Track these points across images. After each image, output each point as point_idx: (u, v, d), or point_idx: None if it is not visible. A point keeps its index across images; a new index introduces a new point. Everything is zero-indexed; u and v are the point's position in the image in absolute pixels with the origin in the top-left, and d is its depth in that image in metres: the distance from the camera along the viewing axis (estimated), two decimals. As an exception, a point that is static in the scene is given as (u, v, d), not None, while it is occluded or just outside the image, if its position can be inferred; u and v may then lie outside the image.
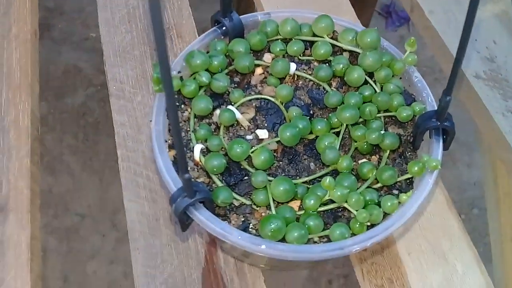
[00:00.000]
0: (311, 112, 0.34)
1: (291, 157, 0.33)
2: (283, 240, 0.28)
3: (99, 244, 1.01)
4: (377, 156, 0.33)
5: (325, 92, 0.35)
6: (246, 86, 0.35)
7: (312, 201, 0.29)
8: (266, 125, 0.34)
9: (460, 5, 0.52)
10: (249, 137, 0.33)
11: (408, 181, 0.32)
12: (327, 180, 0.28)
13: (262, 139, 0.33)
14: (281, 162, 0.32)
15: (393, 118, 0.34)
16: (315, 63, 0.36)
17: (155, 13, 0.17)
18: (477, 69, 0.47)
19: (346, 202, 0.29)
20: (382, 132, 0.32)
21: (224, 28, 0.36)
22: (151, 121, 0.31)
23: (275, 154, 0.33)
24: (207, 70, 0.34)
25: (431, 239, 0.38)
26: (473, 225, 1.15)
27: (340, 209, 0.30)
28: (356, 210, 0.29)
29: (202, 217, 0.28)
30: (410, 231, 0.38)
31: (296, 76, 0.36)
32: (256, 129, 0.33)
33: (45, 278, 0.96)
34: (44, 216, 1.05)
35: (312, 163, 0.33)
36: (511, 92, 0.46)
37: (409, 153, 0.33)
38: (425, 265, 0.36)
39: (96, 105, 1.22)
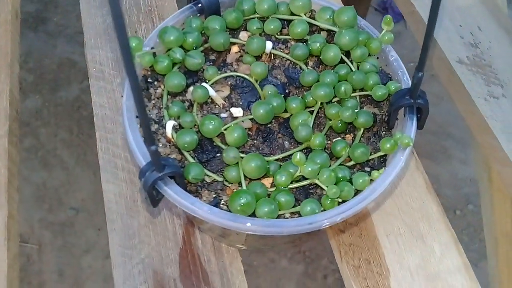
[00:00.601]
0: (287, 91, 0.34)
1: (266, 135, 0.32)
2: (253, 215, 0.28)
3: (94, 238, 1.01)
4: (352, 134, 0.33)
5: (301, 71, 0.35)
6: (221, 64, 0.35)
7: (283, 178, 0.29)
8: (241, 103, 0.33)
9: None
10: (223, 115, 0.33)
11: (381, 159, 0.31)
12: (298, 156, 0.28)
13: (236, 117, 0.33)
14: (255, 140, 0.32)
15: (369, 97, 0.34)
16: (292, 42, 0.36)
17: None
18: (460, 54, 0.47)
19: (318, 179, 0.29)
20: (357, 110, 0.32)
21: (199, 5, 0.35)
22: (122, 96, 0.31)
23: (249, 132, 0.32)
24: (181, 46, 0.34)
25: (409, 222, 0.38)
26: (468, 221, 1.15)
27: (312, 186, 0.30)
28: (327, 187, 0.29)
29: (172, 191, 0.28)
30: (389, 213, 0.38)
31: (272, 55, 0.35)
32: (231, 107, 0.33)
33: (40, 272, 0.96)
34: (39, 210, 1.04)
35: (286, 141, 0.32)
36: (494, 77, 0.46)
37: (384, 132, 0.33)
38: (403, 246, 0.36)
39: (90, 99, 1.21)
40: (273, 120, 0.33)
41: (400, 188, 0.39)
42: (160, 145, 0.31)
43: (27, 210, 1.05)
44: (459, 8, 0.51)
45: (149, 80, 0.33)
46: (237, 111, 0.33)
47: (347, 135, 0.33)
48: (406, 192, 0.39)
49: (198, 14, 0.36)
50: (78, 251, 0.99)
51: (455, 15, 0.50)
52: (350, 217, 0.33)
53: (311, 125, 0.31)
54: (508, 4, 0.72)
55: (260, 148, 0.32)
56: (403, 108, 0.31)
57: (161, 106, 0.32)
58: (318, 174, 0.29)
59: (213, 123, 0.30)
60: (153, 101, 0.33)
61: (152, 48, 0.33)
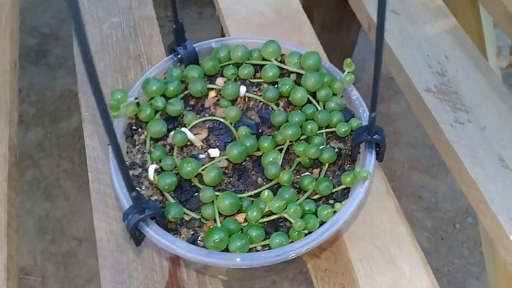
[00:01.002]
0: (260, 130, 0.37)
1: (240, 173, 0.35)
2: (227, 250, 0.31)
3: (97, 268, 1.04)
4: (319, 169, 0.36)
5: (273, 111, 0.38)
6: (200, 108, 0.38)
7: (254, 213, 0.32)
8: (218, 144, 0.37)
9: (414, 23, 0.55)
10: (202, 156, 0.36)
11: (345, 191, 0.34)
12: (266, 193, 0.31)
13: (214, 158, 0.36)
14: (231, 178, 0.35)
15: (334, 133, 0.37)
16: (265, 85, 0.39)
17: (90, 66, 0.20)
18: (428, 83, 0.50)
19: (286, 213, 0.32)
20: (322, 147, 0.35)
21: (179, 56, 0.39)
22: (109, 144, 0.34)
23: (226, 171, 0.36)
24: (163, 95, 0.37)
25: (381, 246, 0.40)
26: (468, 234, 1.17)
27: (281, 220, 0.33)
28: (294, 220, 0.31)
29: (152, 231, 0.31)
30: (361, 238, 0.40)
31: (246, 98, 0.39)
32: (209, 148, 0.36)
33: (44, 304, 0.99)
34: (41, 241, 1.07)
35: (259, 178, 0.35)
36: (460, 103, 0.49)
37: (348, 166, 0.36)
38: (375, 269, 0.39)
39: (91, 129, 1.25)
40: (248, 158, 0.36)
41: (372, 213, 0.42)
42: (143, 187, 0.34)
43: (30, 242, 1.08)
44: (426, 38, 0.54)
45: (134, 127, 0.36)
46: (214, 152, 0.36)
47: (315, 170, 0.36)
48: (377, 217, 0.42)
49: (179, 64, 0.40)
50: (81, 281, 1.02)
51: (423, 45, 0.53)
52: (323, 244, 0.36)
53: (280, 163, 0.34)
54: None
55: (236, 185, 0.35)
56: (364, 143, 0.34)
57: (145, 151, 0.36)
58: (285, 208, 0.32)
59: (191, 165, 0.33)
60: (137, 147, 0.36)
61: (136, 98, 0.37)
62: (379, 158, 0.34)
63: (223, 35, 0.68)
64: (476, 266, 1.10)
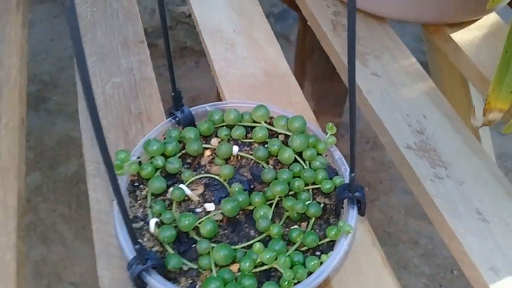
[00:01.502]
0: (252, 186, 0.41)
1: (234, 225, 0.39)
2: (222, 298, 0.34)
3: (92, 314, 1.03)
4: (306, 222, 0.39)
5: (263, 169, 0.41)
6: (197, 166, 0.42)
7: (247, 264, 0.35)
8: (213, 199, 0.40)
9: (394, 85, 0.60)
10: (198, 210, 0.39)
11: (331, 243, 0.38)
12: (257, 245, 0.34)
13: (209, 212, 0.39)
14: (226, 230, 0.38)
15: (319, 189, 0.40)
16: (256, 145, 0.43)
17: (99, 132, 0.24)
18: (408, 140, 0.54)
19: (277, 263, 0.35)
20: (308, 202, 0.38)
21: (177, 119, 0.43)
22: (113, 200, 0.38)
23: (221, 223, 0.39)
24: (163, 154, 0.41)
25: None
26: (466, 281, 1.15)
27: (272, 270, 0.36)
28: (284, 270, 0.34)
29: (154, 281, 0.33)
30: (350, 287, 0.43)
31: (239, 156, 0.42)
32: (205, 203, 0.40)
33: None
34: (38, 286, 1.07)
35: (252, 230, 0.39)
36: (438, 160, 0.53)
37: (333, 219, 0.39)
38: None
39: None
40: (241, 212, 0.39)
41: (360, 263, 0.45)
42: (145, 240, 0.37)
43: (26, 287, 1.07)
44: (406, 100, 0.59)
45: (136, 184, 0.40)
46: (210, 206, 0.39)
47: (303, 223, 0.39)
48: (364, 267, 0.44)
49: (177, 125, 0.44)
50: (77, 328, 1.01)
51: (403, 106, 0.58)
52: None
53: (270, 217, 0.38)
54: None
55: (230, 237, 0.38)
56: (346, 199, 0.38)
57: (146, 205, 0.39)
58: (275, 259, 0.35)
59: (188, 219, 0.36)
60: (139, 201, 0.39)
61: (138, 157, 0.40)
62: (361, 213, 0.38)
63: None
64: None
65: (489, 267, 0.44)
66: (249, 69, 0.61)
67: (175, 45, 1.58)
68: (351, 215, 0.37)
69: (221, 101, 0.49)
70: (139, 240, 0.37)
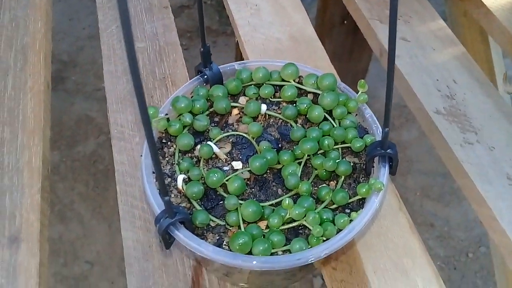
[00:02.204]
0: (279, 145, 0.40)
1: (262, 184, 0.38)
2: (250, 253, 0.33)
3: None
4: (335, 181, 0.38)
5: (292, 128, 0.41)
6: (224, 124, 0.41)
7: (275, 220, 0.34)
8: (240, 157, 0.39)
9: (424, 50, 0.58)
10: (226, 168, 0.39)
11: (360, 201, 0.37)
12: (286, 201, 0.34)
13: (237, 170, 0.38)
14: (253, 189, 0.38)
15: (349, 148, 0.39)
16: (284, 104, 0.42)
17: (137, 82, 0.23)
18: (438, 105, 0.53)
19: (305, 220, 0.34)
20: (338, 160, 0.37)
21: (205, 76, 0.42)
22: (141, 156, 0.37)
23: (248, 182, 0.38)
24: (190, 112, 0.40)
25: (394, 258, 0.42)
26: (481, 264, 1.16)
27: (301, 227, 0.35)
28: (313, 227, 0.34)
29: (182, 235, 0.33)
30: (376, 251, 0.42)
31: (267, 115, 0.42)
32: (232, 161, 0.39)
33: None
34: (54, 264, 1.09)
35: (279, 189, 0.38)
36: (468, 125, 0.52)
37: (363, 179, 0.38)
38: (389, 281, 0.41)
39: (106, 153, 1.29)
40: (268, 171, 0.39)
41: (386, 227, 0.44)
42: (172, 196, 0.37)
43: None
44: (435, 64, 0.57)
45: (164, 141, 0.39)
46: (237, 164, 0.39)
47: (331, 182, 0.38)
48: (391, 231, 0.44)
49: (205, 84, 0.43)
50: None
51: (432, 71, 0.56)
52: (338, 253, 0.38)
53: (299, 175, 0.37)
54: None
55: (257, 195, 0.38)
56: (377, 157, 0.37)
57: (174, 162, 0.38)
58: (305, 216, 0.34)
59: (216, 175, 0.36)
60: (166, 158, 0.39)
61: (166, 114, 0.40)
62: (392, 171, 0.37)
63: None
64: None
65: None
66: (275, 34, 0.60)
67: (192, 24, 1.57)
68: (382, 173, 0.36)
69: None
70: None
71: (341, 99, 0.40)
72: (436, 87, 0.55)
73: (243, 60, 0.50)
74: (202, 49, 0.40)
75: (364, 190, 0.35)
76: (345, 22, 1.01)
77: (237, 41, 0.60)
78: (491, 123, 0.52)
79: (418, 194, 1.21)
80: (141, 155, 0.37)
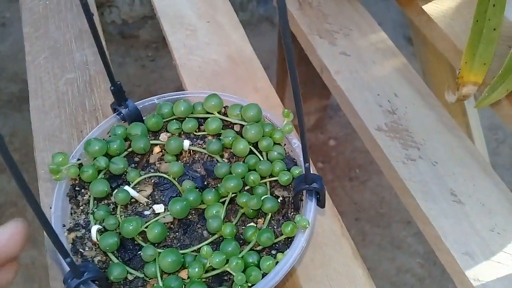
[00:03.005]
0: (205, 182, 0.38)
1: (186, 227, 0.36)
2: (169, 308, 0.31)
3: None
4: (263, 219, 0.36)
5: (218, 163, 0.38)
6: (145, 164, 0.39)
7: (196, 269, 0.32)
8: (163, 199, 0.37)
9: (364, 64, 0.57)
10: (147, 212, 0.36)
11: (288, 240, 0.35)
12: (205, 249, 0.31)
13: (158, 213, 0.36)
14: (177, 233, 0.35)
15: (278, 182, 0.37)
16: (209, 137, 0.40)
17: None
18: (379, 122, 0.51)
19: (228, 267, 0.32)
20: (264, 197, 0.35)
21: (122, 114, 0.39)
22: (51, 208, 0.34)
23: (172, 225, 0.36)
24: (107, 154, 0.38)
25: None
26: None
27: (225, 273, 0.33)
28: (236, 274, 0.32)
29: (92, 295, 0.30)
30: (319, 282, 0.40)
31: (191, 151, 0.39)
32: (154, 204, 0.37)
33: None
34: (28, 290, 1.04)
35: (205, 231, 0.36)
36: (410, 140, 0.50)
37: (292, 213, 0.36)
38: None
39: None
40: (193, 212, 0.36)
41: (329, 256, 0.42)
42: (87, 249, 0.34)
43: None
44: (376, 78, 0.56)
45: (77, 188, 0.37)
46: (159, 208, 0.36)
47: (259, 220, 0.36)
48: (334, 259, 0.42)
49: (123, 121, 0.40)
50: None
51: (373, 85, 0.55)
52: (278, 286, 0.36)
53: (222, 216, 0.35)
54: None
55: (182, 240, 0.35)
56: (304, 191, 0.35)
57: (88, 211, 0.36)
58: (227, 263, 0.32)
59: (132, 224, 0.33)
60: (81, 207, 0.36)
61: (79, 159, 0.37)
62: (320, 204, 0.35)
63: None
64: None
65: (464, 251, 0.41)
66: (212, 55, 0.57)
67: (158, 34, 1.54)
68: (309, 208, 0.34)
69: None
70: (80, 250, 0.34)
71: (266, 130, 0.38)
72: (377, 102, 0.53)
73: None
74: (112, 88, 0.38)
75: (289, 229, 0.33)
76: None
77: (174, 63, 0.58)
78: (433, 136, 0.50)
79: (394, 192, 1.21)
80: (50, 207, 0.35)
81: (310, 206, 0.34)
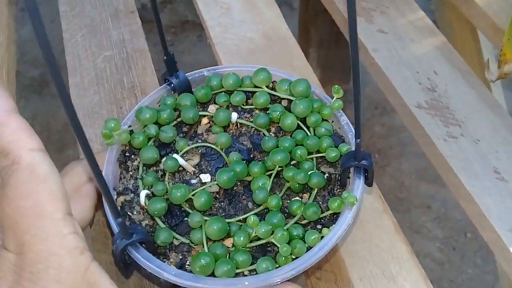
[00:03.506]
0: (251, 155, 0.38)
1: (231, 197, 0.36)
2: (213, 275, 0.31)
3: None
4: (309, 194, 0.36)
5: (264, 137, 0.38)
6: (193, 134, 0.39)
7: (241, 238, 0.32)
8: (210, 169, 0.37)
9: (402, 42, 0.56)
10: (193, 181, 0.37)
11: (333, 216, 0.34)
12: (252, 218, 0.32)
13: (205, 183, 0.36)
14: (222, 203, 0.36)
15: (324, 158, 0.37)
16: (256, 111, 0.40)
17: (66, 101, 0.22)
18: (419, 99, 0.51)
19: (273, 238, 0.32)
20: (310, 172, 0.35)
21: (172, 85, 0.40)
22: (101, 171, 0.35)
23: (217, 195, 0.36)
24: (156, 122, 0.38)
25: (380, 264, 0.40)
26: (480, 243, 1.14)
27: (269, 245, 0.33)
28: (280, 245, 0.32)
29: (139, 255, 0.31)
30: (361, 257, 0.40)
31: (238, 124, 0.39)
32: (200, 173, 0.37)
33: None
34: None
35: (250, 203, 0.36)
36: (451, 118, 0.49)
37: (338, 190, 0.36)
38: None
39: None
40: (239, 183, 0.36)
41: (370, 232, 0.42)
42: (135, 212, 0.35)
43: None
44: (415, 56, 0.55)
45: (127, 154, 0.38)
46: (205, 177, 0.37)
47: (305, 194, 0.36)
48: (376, 235, 0.42)
49: (173, 92, 0.41)
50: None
51: (412, 63, 0.54)
52: (321, 262, 0.36)
53: (268, 189, 0.35)
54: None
55: (227, 210, 0.35)
56: (353, 168, 0.35)
57: (137, 176, 0.37)
58: (272, 234, 0.32)
59: (180, 191, 0.34)
60: (130, 173, 0.37)
61: (130, 126, 0.38)
62: (368, 183, 0.35)
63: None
64: (490, 274, 1.07)
65: (509, 228, 0.40)
66: (247, 33, 0.57)
67: (176, 19, 1.54)
68: (356, 185, 0.34)
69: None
70: (129, 214, 0.35)
71: (315, 106, 0.38)
72: (416, 80, 0.52)
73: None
74: (165, 58, 0.38)
75: (336, 204, 0.33)
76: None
77: (209, 42, 0.58)
78: (474, 114, 0.50)
79: (414, 177, 1.20)
80: (101, 171, 0.35)
81: (358, 184, 0.34)
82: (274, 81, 0.41)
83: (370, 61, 0.54)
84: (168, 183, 0.36)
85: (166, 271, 0.31)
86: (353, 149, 0.36)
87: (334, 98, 0.38)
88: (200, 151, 0.38)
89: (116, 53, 0.56)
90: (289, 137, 0.37)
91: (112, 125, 0.36)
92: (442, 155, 0.45)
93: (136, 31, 0.58)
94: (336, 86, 0.37)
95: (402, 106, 0.50)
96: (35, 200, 0.27)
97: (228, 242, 0.33)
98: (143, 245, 0.32)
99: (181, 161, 0.37)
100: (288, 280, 0.31)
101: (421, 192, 1.20)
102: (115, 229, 0.32)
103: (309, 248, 0.32)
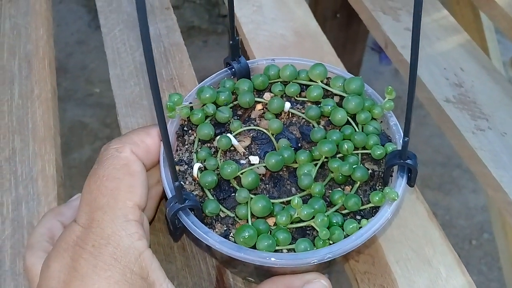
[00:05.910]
0: (299, 144, 0.40)
1: (276, 181, 0.38)
2: (254, 248, 0.33)
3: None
4: (350, 186, 0.37)
5: (313, 128, 0.40)
6: (246, 118, 0.42)
7: (283, 218, 0.34)
8: (259, 152, 0.40)
9: (429, 39, 0.58)
10: (242, 161, 0.39)
11: (374, 210, 0.36)
12: (296, 200, 0.34)
13: (253, 164, 0.39)
14: (267, 185, 0.38)
15: (369, 155, 0.39)
16: (309, 103, 0.42)
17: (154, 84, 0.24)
18: (447, 94, 0.53)
19: (314, 222, 0.34)
20: (355, 166, 0.37)
21: (233, 69, 0.42)
22: (161, 141, 0.38)
23: (263, 177, 0.38)
24: (214, 102, 0.41)
25: (415, 248, 0.42)
26: (485, 250, 1.12)
27: (308, 228, 0.35)
28: (320, 229, 0.34)
29: (189, 221, 0.34)
30: (397, 242, 0.43)
31: (290, 113, 0.41)
32: (250, 155, 0.39)
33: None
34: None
35: (293, 188, 0.38)
36: (479, 112, 0.51)
37: (380, 187, 0.37)
38: (412, 270, 0.41)
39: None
40: (284, 169, 0.39)
41: (405, 218, 0.44)
42: (187, 183, 0.37)
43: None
44: (441, 53, 0.57)
45: (185, 128, 0.40)
46: (254, 159, 0.39)
47: (347, 187, 0.38)
48: (410, 221, 0.44)
49: (232, 77, 0.43)
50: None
51: (439, 60, 0.56)
52: (361, 248, 0.38)
53: (313, 176, 0.37)
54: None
55: (270, 192, 0.38)
56: (396, 167, 0.36)
57: (192, 150, 0.39)
58: (313, 217, 0.34)
59: (231, 167, 0.36)
60: (186, 146, 0.40)
61: (190, 103, 0.41)
62: (411, 183, 0.36)
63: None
64: (495, 282, 1.06)
65: None
66: (279, 30, 0.60)
67: (182, 25, 1.56)
68: (399, 183, 0.35)
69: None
70: (182, 183, 0.37)
71: (366, 104, 0.40)
72: (443, 75, 0.55)
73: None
74: (231, 42, 0.40)
75: (377, 198, 0.35)
76: (338, 15, 1.00)
77: (241, 38, 0.60)
78: (501, 109, 0.51)
79: (419, 184, 1.19)
80: (161, 140, 0.38)
81: (400, 182, 0.35)
82: (329, 77, 0.43)
83: (398, 57, 0.57)
84: (220, 159, 0.39)
85: (212, 238, 0.33)
86: (399, 148, 0.37)
87: (386, 99, 0.39)
88: (251, 134, 0.40)
89: (153, 47, 0.58)
90: (338, 130, 0.39)
91: (176, 99, 0.39)
92: (471, 146, 0.48)
93: (171, 26, 0.60)
94: (390, 87, 0.39)
95: (431, 100, 0.53)
96: (117, 185, 0.31)
97: (271, 221, 0.35)
98: (193, 212, 0.35)
99: (234, 141, 0.39)
100: (324, 263, 0.33)
101: (426, 199, 1.18)
102: (169, 193, 0.35)
103: (346, 236, 0.34)
